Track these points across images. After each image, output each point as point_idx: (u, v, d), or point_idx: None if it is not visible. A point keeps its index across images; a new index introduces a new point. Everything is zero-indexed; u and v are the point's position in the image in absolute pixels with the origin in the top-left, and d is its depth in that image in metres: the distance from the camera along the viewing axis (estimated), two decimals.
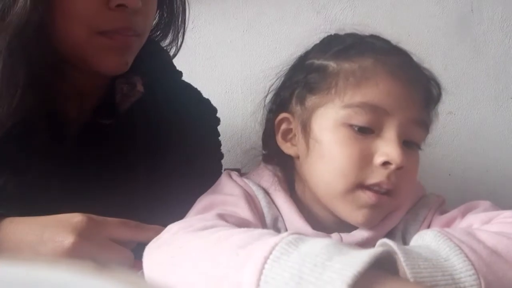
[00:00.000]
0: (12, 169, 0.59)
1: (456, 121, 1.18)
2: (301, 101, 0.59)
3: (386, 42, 0.60)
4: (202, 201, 0.58)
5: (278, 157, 0.62)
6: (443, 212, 0.60)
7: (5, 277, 0.22)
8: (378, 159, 0.53)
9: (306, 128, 0.58)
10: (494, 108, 1.19)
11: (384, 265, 0.36)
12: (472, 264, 0.37)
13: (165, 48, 0.75)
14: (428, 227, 0.58)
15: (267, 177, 0.61)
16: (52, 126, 0.63)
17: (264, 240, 0.36)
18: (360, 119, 0.54)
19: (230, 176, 0.62)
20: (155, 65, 0.72)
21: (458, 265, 0.37)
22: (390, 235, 0.58)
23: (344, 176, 0.54)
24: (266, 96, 0.66)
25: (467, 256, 0.38)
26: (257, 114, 0.68)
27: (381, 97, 0.53)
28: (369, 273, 0.33)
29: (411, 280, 0.35)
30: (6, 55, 0.56)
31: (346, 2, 1.16)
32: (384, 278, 0.34)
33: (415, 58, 0.60)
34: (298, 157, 0.60)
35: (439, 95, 0.60)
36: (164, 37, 0.74)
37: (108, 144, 0.66)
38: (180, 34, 0.74)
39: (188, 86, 0.79)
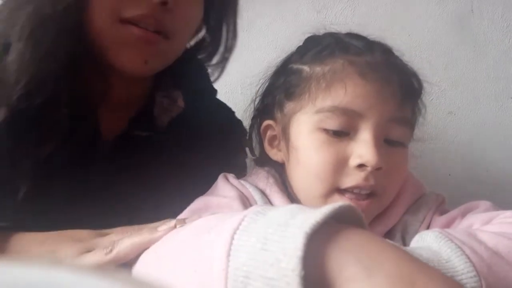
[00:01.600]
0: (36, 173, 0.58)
1: (456, 121, 1.18)
2: (281, 108, 0.59)
3: (361, 39, 0.58)
4: (196, 203, 0.58)
5: (268, 162, 0.63)
6: (443, 211, 0.59)
7: (5, 277, 0.22)
8: (353, 162, 0.52)
9: (285, 135, 0.58)
10: (494, 108, 1.19)
11: None
12: (474, 266, 0.37)
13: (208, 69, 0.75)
14: (428, 227, 0.58)
15: (263, 179, 0.61)
16: (88, 132, 0.63)
17: (235, 216, 0.36)
18: (332, 123, 0.53)
19: (227, 179, 0.62)
20: (196, 82, 0.72)
21: (460, 267, 0.37)
22: (389, 235, 0.57)
23: (320, 180, 0.53)
24: (253, 102, 0.66)
25: (468, 258, 0.38)
26: (248, 119, 0.68)
27: (351, 99, 0.53)
28: (332, 225, 0.33)
29: None
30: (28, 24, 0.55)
31: (346, 2, 1.16)
32: (345, 228, 0.33)
33: (394, 52, 0.59)
34: (284, 163, 0.60)
35: (420, 88, 0.59)
36: (209, 59, 0.74)
37: (140, 156, 0.65)
38: (226, 58, 0.73)
39: (223, 106, 0.79)
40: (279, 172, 0.62)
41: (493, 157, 1.18)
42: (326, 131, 0.53)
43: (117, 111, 0.66)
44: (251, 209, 0.37)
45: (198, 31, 0.71)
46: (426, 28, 1.17)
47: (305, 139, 0.55)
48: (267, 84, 0.65)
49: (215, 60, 0.73)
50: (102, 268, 0.47)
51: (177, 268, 0.38)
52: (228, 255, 0.32)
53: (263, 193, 0.60)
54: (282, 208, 0.35)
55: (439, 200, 0.61)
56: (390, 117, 0.54)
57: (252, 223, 0.34)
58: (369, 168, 0.52)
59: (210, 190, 0.62)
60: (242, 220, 0.34)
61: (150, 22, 0.58)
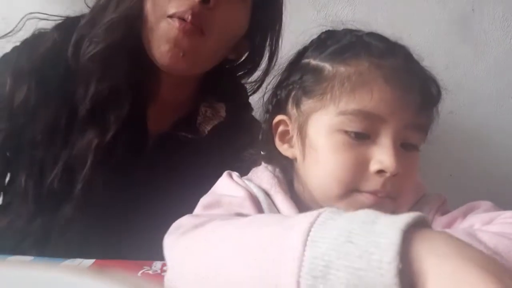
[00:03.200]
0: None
1: (457, 121, 1.18)
2: (297, 104, 0.58)
3: (383, 41, 0.58)
4: (207, 198, 0.58)
5: (277, 158, 0.62)
6: (444, 212, 0.59)
7: (6, 277, 0.22)
8: (373, 167, 0.52)
9: (302, 132, 0.58)
10: (495, 107, 1.19)
11: None
12: None
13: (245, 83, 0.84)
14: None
15: (267, 179, 0.61)
16: (138, 128, 0.72)
17: (303, 214, 0.38)
18: (354, 126, 0.53)
19: (231, 177, 0.62)
20: (237, 98, 0.81)
21: None
22: None
23: (339, 182, 0.53)
24: (264, 95, 0.66)
25: None
26: (256, 113, 0.69)
27: (376, 104, 0.52)
28: (417, 228, 0.34)
29: None
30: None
31: (346, 1, 1.16)
32: (430, 231, 0.35)
33: (414, 57, 0.59)
34: (295, 159, 0.60)
35: (439, 95, 0.59)
36: (247, 75, 0.82)
37: (180, 155, 0.74)
38: (264, 76, 0.80)
39: (257, 123, 0.81)
40: (284, 171, 0.62)
41: (493, 157, 1.18)
42: (347, 133, 0.53)
43: (163, 113, 0.75)
44: (324, 209, 0.38)
45: (242, 49, 0.79)
46: (427, 27, 1.17)
47: (324, 139, 0.55)
48: (279, 77, 0.65)
49: (254, 77, 0.81)
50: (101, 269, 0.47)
51: (238, 256, 0.39)
52: (305, 245, 0.34)
53: (266, 193, 0.59)
54: (357, 212, 0.37)
55: (441, 200, 0.61)
56: (409, 124, 0.54)
57: (330, 220, 0.36)
58: (388, 174, 0.52)
59: (215, 187, 0.61)
60: (318, 216, 0.36)
61: (188, 15, 0.65)
